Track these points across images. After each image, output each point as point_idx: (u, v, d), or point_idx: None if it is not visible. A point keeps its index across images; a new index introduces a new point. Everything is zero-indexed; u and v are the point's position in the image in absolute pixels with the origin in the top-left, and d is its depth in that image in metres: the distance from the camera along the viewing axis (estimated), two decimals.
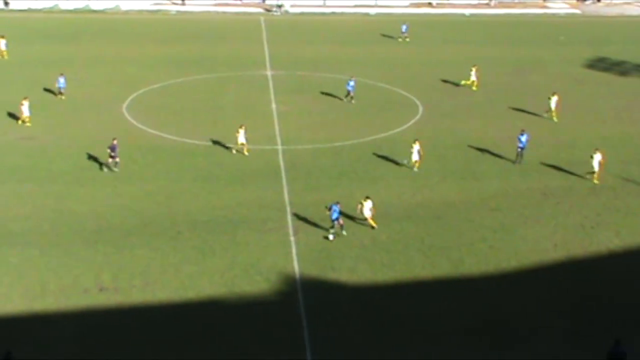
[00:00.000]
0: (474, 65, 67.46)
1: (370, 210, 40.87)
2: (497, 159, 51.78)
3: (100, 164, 49.16)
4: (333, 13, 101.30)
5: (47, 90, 63.82)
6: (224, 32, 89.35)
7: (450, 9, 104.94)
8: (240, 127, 50.64)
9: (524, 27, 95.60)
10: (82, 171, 48.77)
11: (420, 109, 61.92)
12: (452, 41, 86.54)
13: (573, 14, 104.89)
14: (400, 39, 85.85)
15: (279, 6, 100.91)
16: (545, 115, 58.91)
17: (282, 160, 50.62)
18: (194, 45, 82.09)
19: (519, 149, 50.54)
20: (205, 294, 35.61)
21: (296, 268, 37.80)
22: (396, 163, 50.07)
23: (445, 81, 69.72)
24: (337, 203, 40.37)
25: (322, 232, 40.88)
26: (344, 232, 40.37)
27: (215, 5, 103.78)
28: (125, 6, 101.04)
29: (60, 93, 62.35)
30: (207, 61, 75.30)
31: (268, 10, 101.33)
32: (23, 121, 55.78)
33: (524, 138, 50.35)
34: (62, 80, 62.29)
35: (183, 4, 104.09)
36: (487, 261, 38.87)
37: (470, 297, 35.98)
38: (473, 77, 66.92)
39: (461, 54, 79.91)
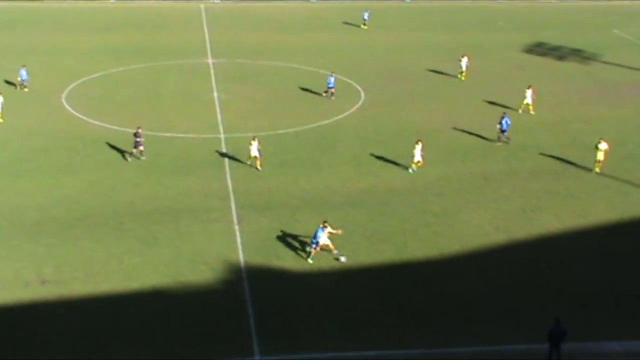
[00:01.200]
0: (463, 55, 67.23)
1: (330, 232, 37.43)
2: (438, 144, 52.21)
3: (123, 153, 48.66)
4: (274, 0, 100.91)
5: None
6: (163, 20, 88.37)
7: None
8: (253, 139, 47.87)
9: (463, 12, 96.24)
10: (21, 163, 48.01)
11: (363, 95, 62.12)
12: (393, 28, 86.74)
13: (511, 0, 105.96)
14: (364, 26, 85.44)
15: None
16: (521, 111, 57.99)
17: (225, 149, 50.38)
18: (133, 33, 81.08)
19: (502, 132, 51.70)
20: (150, 284, 35.37)
21: (241, 257, 37.75)
22: (398, 165, 50.18)
23: (387, 68, 70.05)
24: (324, 227, 37.35)
25: (265, 220, 40.92)
26: (311, 260, 37.35)
27: None
28: None
29: (23, 86, 61.13)
30: (147, 50, 74.44)
31: None
32: None
33: (504, 121, 51.54)
34: (24, 72, 61.03)
35: None
36: (431, 246, 39.29)
37: (414, 281, 36.33)
38: (463, 67, 66.70)
39: (402, 40, 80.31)
